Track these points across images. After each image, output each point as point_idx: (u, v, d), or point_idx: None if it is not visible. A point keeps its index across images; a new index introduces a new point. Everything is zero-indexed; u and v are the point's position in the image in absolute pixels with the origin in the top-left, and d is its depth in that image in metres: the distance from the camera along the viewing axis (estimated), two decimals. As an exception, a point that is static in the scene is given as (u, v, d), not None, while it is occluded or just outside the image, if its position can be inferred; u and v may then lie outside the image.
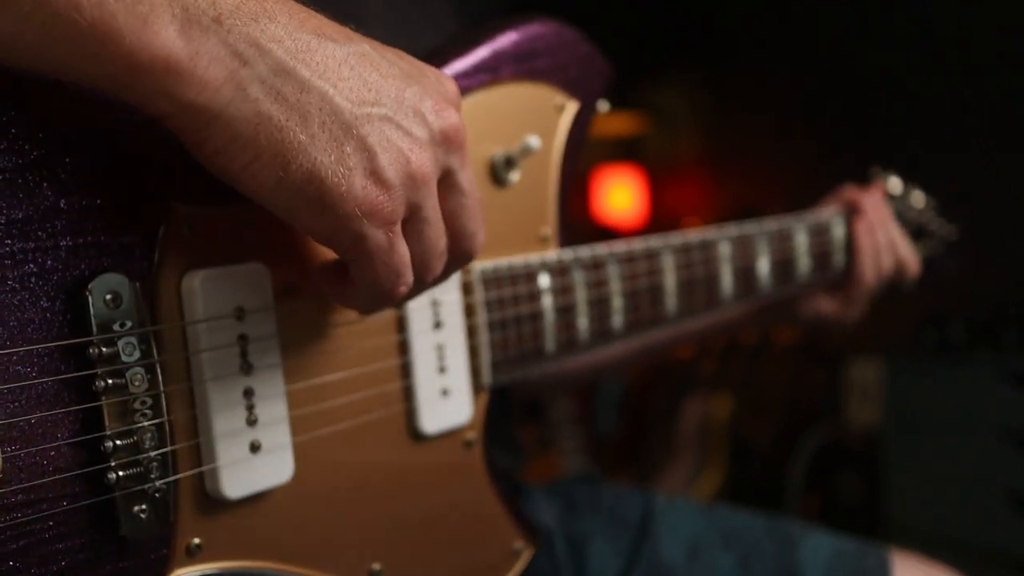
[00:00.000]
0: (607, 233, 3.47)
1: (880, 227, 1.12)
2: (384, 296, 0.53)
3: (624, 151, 3.94)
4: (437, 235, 0.53)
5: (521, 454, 1.00)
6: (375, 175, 0.48)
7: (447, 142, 0.52)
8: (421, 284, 0.55)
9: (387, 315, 0.68)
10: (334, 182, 0.47)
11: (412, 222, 0.51)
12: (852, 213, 1.13)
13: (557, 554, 0.96)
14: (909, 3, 2.71)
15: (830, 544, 0.97)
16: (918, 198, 1.21)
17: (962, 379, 2.20)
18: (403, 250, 0.51)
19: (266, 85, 0.45)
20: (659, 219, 3.76)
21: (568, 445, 2.89)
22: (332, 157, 0.47)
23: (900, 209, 1.20)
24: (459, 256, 0.56)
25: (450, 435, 0.73)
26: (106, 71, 0.43)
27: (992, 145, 2.48)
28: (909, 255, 1.16)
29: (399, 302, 0.56)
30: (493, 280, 0.74)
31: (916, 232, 1.21)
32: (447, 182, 0.53)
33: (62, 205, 0.50)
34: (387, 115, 0.49)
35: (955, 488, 2.18)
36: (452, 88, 0.54)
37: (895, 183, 1.19)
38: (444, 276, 0.58)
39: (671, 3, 3.61)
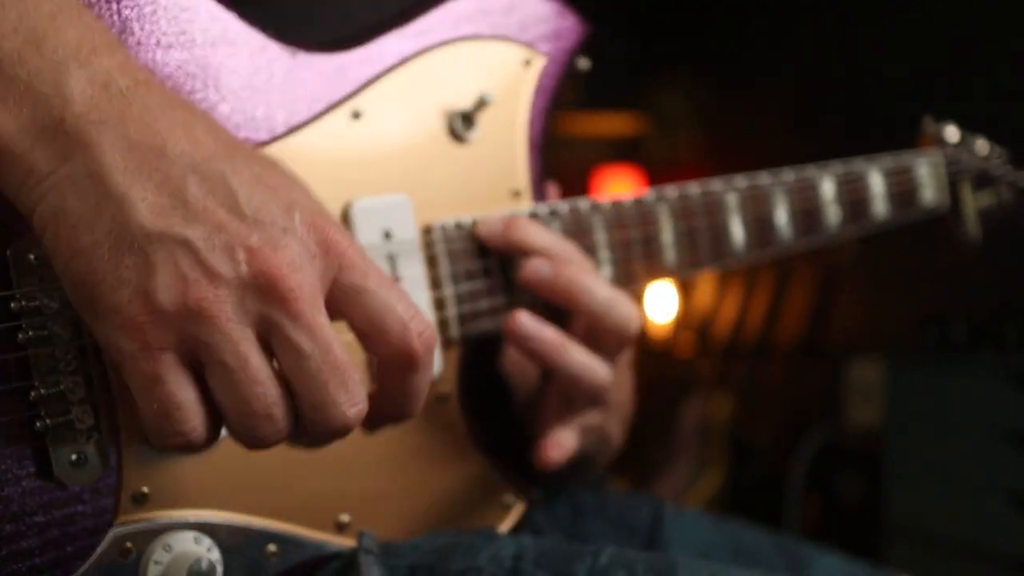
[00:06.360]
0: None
1: None
2: (157, 435, 0.49)
3: (624, 151, 3.94)
4: (249, 389, 0.49)
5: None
6: (144, 295, 0.46)
7: (261, 291, 0.48)
8: (250, 442, 0.51)
9: None
10: (101, 291, 0.46)
11: (206, 364, 0.48)
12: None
13: (557, 514, 0.95)
14: (909, 4, 2.71)
15: (841, 566, 0.95)
16: (982, 146, 1.18)
17: (964, 379, 2.19)
18: (175, 390, 0.48)
19: (77, 185, 0.46)
20: (659, 220, 3.76)
21: (568, 445, 2.88)
22: (108, 266, 0.46)
23: (956, 156, 1.16)
24: (316, 427, 0.52)
25: None
26: None
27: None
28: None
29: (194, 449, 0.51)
30: (455, 231, 0.74)
31: (980, 179, 1.17)
32: (275, 338, 0.49)
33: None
34: (187, 239, 0.47)
35: (956, 489, 2.17)
36: (315, 244, 0.50)
37: (951, 132, 1.16)
38: (313, 444, 0.54)
39: (671, 4, 3.61)
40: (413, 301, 0.53)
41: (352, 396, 0.52)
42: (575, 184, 4.02)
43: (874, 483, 2.53)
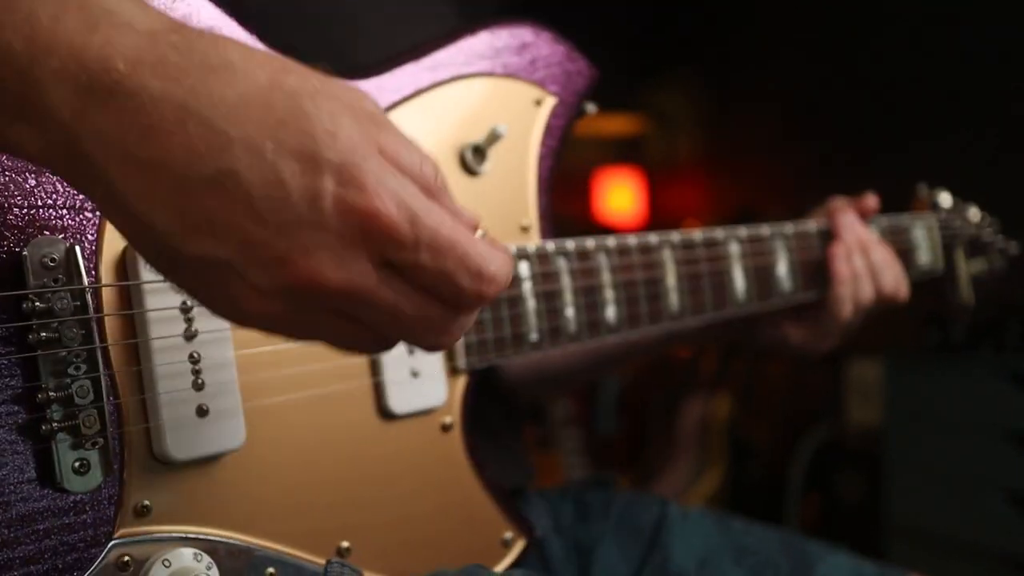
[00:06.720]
0: (607, 233, 3.49)
1: (858, 251, 1.00)
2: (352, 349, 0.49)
3: (624, 152, 3.94)
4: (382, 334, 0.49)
5: (530, 474, 0.99)
6: (211, 305, 0.47)
7: (306, 295, 0.45)
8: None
9: None
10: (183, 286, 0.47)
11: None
12: (828, 236, 1.02)
13: (551, 556, 0.95)
14: (908, 4, 2.71)
15: (849, 565, 0.94)
16: (973, 214, 1.20)
17: (963, 379, 2.19)
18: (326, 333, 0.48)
19: (113, 207, 0.44)
20: (658, 220, 3.76)
21: (568, 446, 2.88)
22: (172, 279, 0.47)
23: (948, 222, 1.17)
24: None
25: (423, 416, 0.72)
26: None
27: (993, 144, 2.48)
28: (896, 282, 1.02)
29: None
30: None
31: (971, 247, 1.20)
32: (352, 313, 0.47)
33: (13, 177, 0.53)
34: (220, 259, 0.44)
35: (956, 488, 2.17)
36: (352, 230, 0.45)
37: (945, 198, 1.17)
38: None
39: (671, 5, 3.61)
40: (477, 240, 0.47)
41: (479, 268, 0.47)
42: (576, 184, 4.02)
43: (874, 483, 2.53)
